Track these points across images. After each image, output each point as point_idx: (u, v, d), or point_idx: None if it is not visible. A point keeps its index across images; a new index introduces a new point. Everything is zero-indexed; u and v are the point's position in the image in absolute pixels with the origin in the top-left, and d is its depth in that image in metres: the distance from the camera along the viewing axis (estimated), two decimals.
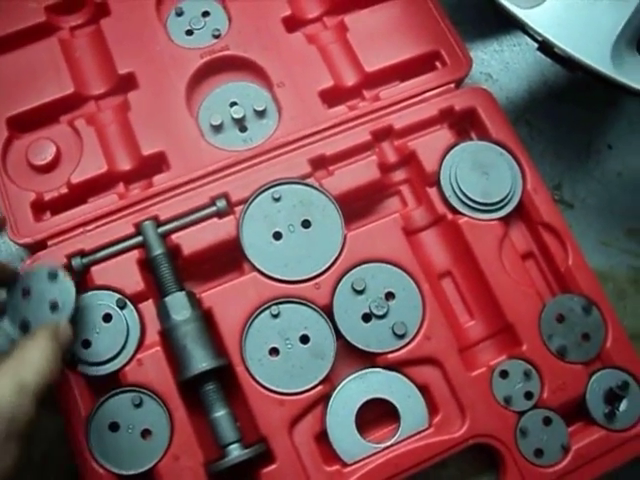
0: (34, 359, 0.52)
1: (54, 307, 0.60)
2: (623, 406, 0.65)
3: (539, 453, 0.63)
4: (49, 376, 0.52)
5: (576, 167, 0.75)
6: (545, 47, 0.67)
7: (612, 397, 0.65)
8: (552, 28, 0.64)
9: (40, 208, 0.68)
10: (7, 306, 0.61)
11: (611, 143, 0.76)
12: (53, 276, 0.61)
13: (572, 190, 0.74)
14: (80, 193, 0.69)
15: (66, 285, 0.61)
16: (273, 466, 0.61)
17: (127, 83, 0.71)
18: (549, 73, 0.77)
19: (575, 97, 0.77)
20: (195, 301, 0.64)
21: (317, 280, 0.65)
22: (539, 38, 0.66)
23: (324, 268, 0.65)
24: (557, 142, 0.75)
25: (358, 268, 0.66)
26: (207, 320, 0.64)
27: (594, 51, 0.64)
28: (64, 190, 0.68)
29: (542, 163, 0.74)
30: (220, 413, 0.62)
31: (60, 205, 0.68)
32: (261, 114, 0.71)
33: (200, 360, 0.62)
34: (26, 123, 0.70)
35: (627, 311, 0.71)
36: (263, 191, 0.67)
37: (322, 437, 0.63)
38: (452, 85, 0.71)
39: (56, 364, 0.53)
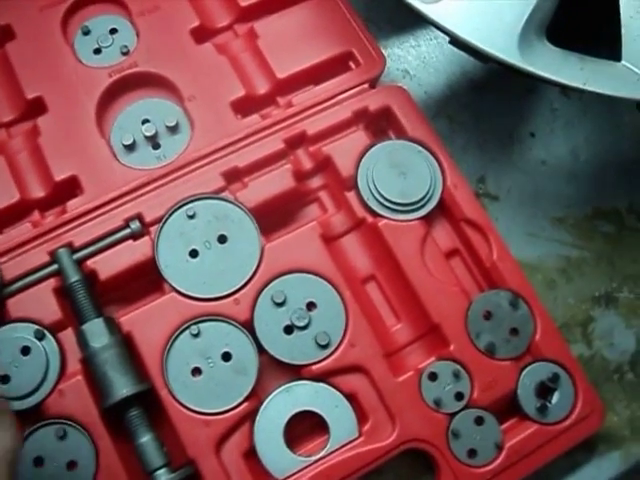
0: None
1: None
2: (555, 399, 0.64)
3: (472, 453, 0.63)
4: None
5: (500, 158, 0.73)
6: (456, 40, 0.66)
7: (544, 390, 0.64)
8: (457, 21, 0.63)
9: None
10: None
11: (534, 131, 0.75)
12: None
13: (497, 182, 0.73)
14: None
15: None
16: None
17: (36, 108, 0.70)
18: (467, 65, 0.75)
19: (495, 87, 0.75)
20: (114, 326, 0.63)
21: (236, 295, 0.64)
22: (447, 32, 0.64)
23: (243, 283, 0.64)
24: (479, 134, 0.74)
25: (277, 280, 0.65)
26: (127, 344, 0.63)
27: (500, 41, 0.62)
28: None
29: (465, 157, 0.73)
30: (145, 439, 0.61)
31: None
32: (174, 129, 0.69)
33: (121, 386, 0.61)
34: None
35: (558, 301, 0.70)
36: (177, 209, 0.66)
37: (251, 454, 0.62)
38: (366, 85, 0.70)
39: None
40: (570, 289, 0.71)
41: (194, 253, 0.65)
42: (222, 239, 0.65)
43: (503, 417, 0.64)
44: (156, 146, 0.69)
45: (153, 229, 0.65)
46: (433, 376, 0.64)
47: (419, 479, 0.65)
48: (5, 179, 0.68)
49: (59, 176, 0.67)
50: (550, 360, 0.65)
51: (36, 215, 0.68)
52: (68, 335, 0.64)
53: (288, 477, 0.61)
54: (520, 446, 0.63)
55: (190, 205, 0.66)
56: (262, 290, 0.64)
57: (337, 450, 0.62)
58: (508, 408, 0.64)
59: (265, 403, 0.63)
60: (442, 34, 0.68)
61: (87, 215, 0.66)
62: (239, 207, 0.66)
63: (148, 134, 0.69)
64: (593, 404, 0.64)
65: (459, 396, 0.63)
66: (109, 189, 0.67)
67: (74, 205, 0.67)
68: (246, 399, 0.62)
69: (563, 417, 0.64)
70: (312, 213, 0.69)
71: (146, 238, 0.65)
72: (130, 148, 0.69)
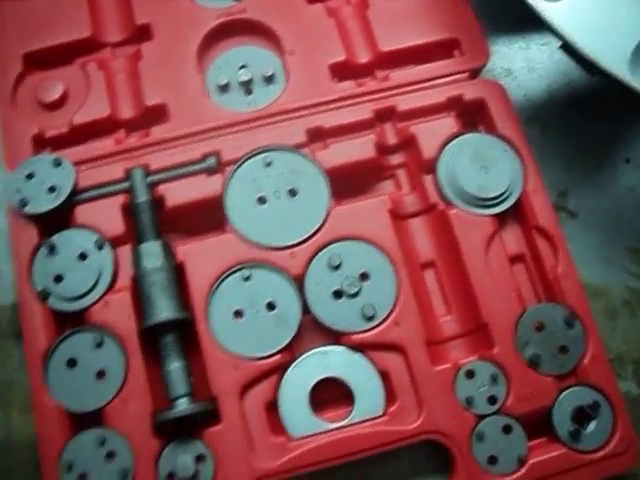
0: None
1: (52, 190, 0.65)
2: (591, 427, 0.62)
3: (493, 460, 0.61)
4: None
5: (587, 177, 0.71)
6: (566, 45, 0.65)
7: (581, 416, 0.62)
8: (572, 25, 0.62)
9: (40, 143, 0.69)
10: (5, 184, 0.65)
11: (630, 157, 0.72)
12: (58, 163, 0.65)
13: (578, 199, 0.71)
14: (80, 134, 0.69)
15: (68, 172, 0.65)
16: (219, 427, 0.61)
17: (143, 34, 0.72)
18: (573, 77, 0.74)
19: (597, 105, 0.73)
20: (169, 252, 0.64)
21: (294, 250, 0.64)
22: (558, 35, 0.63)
23: (303, 238, 0.64)
24: (571, 148, 0.72)
25: (337, 244, 0.64)
26: (178, 274, 0.64)
27: (611, 54, 0.61)
28: (65, 129, 0.69)
29: (551, 167, 0.71)
30: (175, 365, 0.62)
31: (59, 143, 0.69)
32: (269, 79, 0.70)
33: (163, 310, 0.62)
34: (41, 61, 0.72)
35: (615, 332, 0.67)
36: (255, 154, 0.66)
37: (272, 407, 0.62)
38: (466, 75, 0.69)
39: None
40: (631, 323, 0.68)
41: (262, 200, 0.65)
42: (292, 192, 0.65)
43: (532, 433, 0.62)
44: (248, 92, 0.70)
45: (228, 169, 0.66)
46: (470, 374, 0.62)
47: (434, 473, 0.64)
48: (100, 95, 0.70)
49: (150, 101, 0.69)
50: (594, 387, 0.62)
51: (120, 134, 0.70)
52: (125, 252, 0.65)
53: (304, 437, 0.61)
54: (543, 466, 0.61)
55: (269, 154, 0.66)
56: (320, 250, 0.64)
57: (358, 423, 0.61)
58: (539, 425, 0.62)
59: (297, 360, 0.63)
60: (554, 38, 0.67)
61: (168, 143, 0.68)
62: (316, 165, 0.66)
63: (243, 79, 0.70)
64: (629, 442, 0.61)
65: (492, 400, 0.62)
66: (194, 123, 0.68)
67: (158, 131, 0.68)
68: (280, 352, 0.62)
69: (595, 448, 0.61)
70: (385, 189, 0.69)
71: (219, 176, 0.66)
72: (223, 89, 0.70)
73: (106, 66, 0.71)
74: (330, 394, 0.63)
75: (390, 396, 0.62)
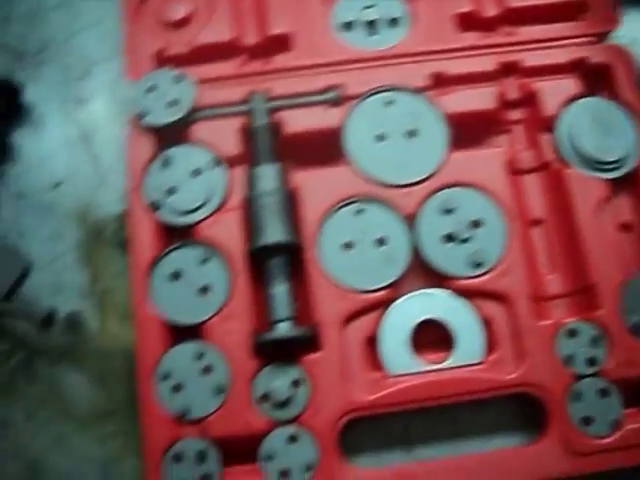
0: None
1: (172, 104, 0.64)
2: None
3: (588, 421, 0.60)
4: None
5: None
6: None
7: None
8: None
9: (161, 59, 0.69)
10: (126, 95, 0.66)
11: None
12: (179, 79, 0.65)
13: None
14: (201, 54, 0.69)
15: (189, 88, 0.65)
16: (319, 354, 0.61)
17: None
18: None
19: None
20: (284, 177, 0.64)
21: (409, 189, 0.64)
22: None
23: (419, 179, 0.64)
24: None
25: (453, 189, 0.64)
26: (291, 199, 0.64)
27: None
28: (187, 48, 0.69)
29: None
30: (280, 288, 0.61)
31: (180, 61, 0.69)
32: (393, 22, 0.70)
33: (274, 232, 0.62)
34: None
35: None
36: (378, 92, 0.66)
37: (371, 342, 0.62)
38: (594, 38, 0.69)
39: None
40: None
41: (381, 137, 0.65)
42: (412, 134, 0.65)
43: (628, 400, 0.61)
44: (373, 32, 0.70)
45: (349, 103, 0.66)
46: (573, 333, 0.62)
47: (519, 429, 0.63)
48: (225, 18, 0.70)
49: (275, 30, 0.69)
50: None
51: (242, 59, 0.70)
52: (238, 173, 0.65)
53: (401, 375, 0.61)
54: (638, 434, 0.60)
55: (391, 93, 0.66)
56: (435, 192, 0.64)
57: (456, 368, 0.61)
58: (636, 393, 0.62)
59: (402, 299, 0.62)
60: None
61: (291, 71, 0.67)
62: (436, 110, 0.66)
63: (369, 18, 0.70)
64: None
65: (592, 361, 0.61)
66: (318, 55, 0.68)
67: (282, 58, 0.68)
68: (386, 288, 0.62)
69: None
70: (500, 143, 0.68)
71: (340, 109, 0.66)
72: (348, 27, 0.70)
73: None
74: (430, 336, 0.63)
75: (490, 344, 0.62)
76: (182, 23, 0.70)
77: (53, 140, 0.71)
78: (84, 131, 0.71)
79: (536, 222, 0.66)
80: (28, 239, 0.68)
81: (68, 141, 0.71)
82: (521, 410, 0.63)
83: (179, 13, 0.70)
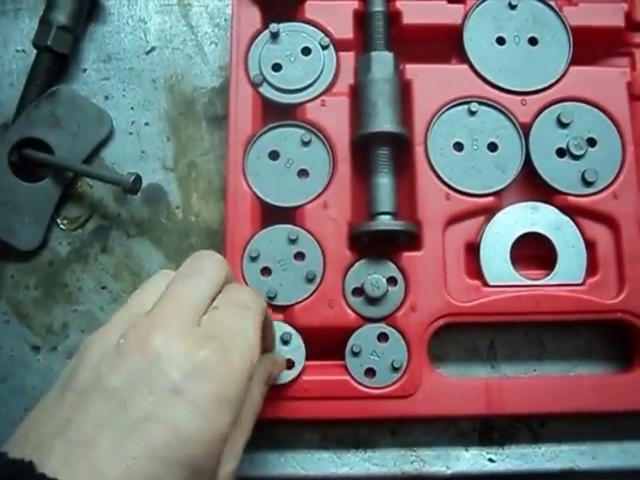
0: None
1: None
2: None
3: None
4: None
5: None
6: None
7: None
8: None
9: None
10: None
11: None
12: None
13: None
14: None
15: None
16: (418, 253, 0.57)
17: None
18: None
19: None
20: (399, 67, 0.59)
21: (525, 97, 0.59)
22: None
23: (537, 88, 0.60)
24: None
25: (570, 103, 0.60)
26: (403, 91, 0.59)
27: None
28: None
29: None
30: (384, 180, 0.57)
31: None
32: None
33: (385, 121, 0.57)
34: None
35: None
36: None
37: (471, 250, 0.58)
38: None
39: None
40: None
41: (501, 41, 0.60)
42: (533, 41, 0.61)
43: None
44: None
45: (471, 1, 0.61)
46: None
47: (605, 357, 0.60)
48: None
49: None
50: None
51: None
52: (348, 58, 0.60)
53: (499, 286, 0.57)
54: None
55: None
56: (552, 104, 0.59)
57: (556, 286, 0.57)
58: None
59: (507, 208, 0.58)
60: None
61: None
62: (562, 20, 0.61)
63: None
64: None
65: None
66: None
67: None
68: (493, 194, 0.58)
69: None
70: (618, 64, 0.64)
71: (460, 6, 0.61)
72: None
73: None
74: (531, 251, 0.59)
75: (592, 267, 0.58)
76: None
77: (149, 3, 0.65)
78: None
79: None
80: (114, 103, 0.63)
81: (165, 7, 0.65)
82: (610, 339, 0.60)
83: None
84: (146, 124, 0.63)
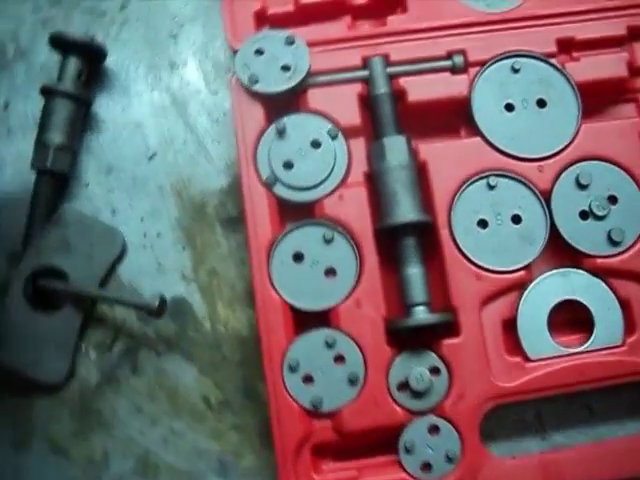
0: None
1: (285, 69, 0.57)
2: None
3: None
4: None
5: None
6: None
7: None
8: None
9: (262, 19, 0.61)
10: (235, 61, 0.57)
11: None
12: (290, 41, 0.58)
13: None
14: (305, 14, 0.62)
15: (302, 51, 0.58)
16: (457, 339, 0.55)
17: None
18: None
19: None
20: (412, 149, 0.58)
21: (541, 163, 0.58)
22: None
23: (552, 152, 0.58)
24: None
25: (586, 162, 0.59)
26: (420, 174, 0.58)
27: None
28: (290, 7, 0.61)
29: None
30: (414, 270, 0.56)
31: (282, 21, 0.61)
32: None
33: (408, 210, 0.56)
34: None
35: None
36: (504, 58, 0.60)
37: (509, 325, 0.57)
38: None
39: None
40: None
41: (510, 107, 0.59)
42: (541, 103, 0.59)
43: None
44: None
45: (473, 70, 0.60)
46: None
47: None
48: None
49: None
50: None
51: (349, 19, 0.62)
52: (358, 145, 0.59)
53: (541, 360, 0.56)
54: None
55: (518, 59, 0.60)
56: (569, 166, 0.58)
57: (597, 351, 0.57)
58: None
59: (538, 279, 0.57)
60: None
61: (409, 34, 0.60)
62: (567, 78, 0.60)
63: None
64: None
65: None
66: (435, 17, 0.61)
67: (396, 21, 0.61)
68: (523, 268, 0.57)
69: None
70: (625, 112, 0.63)
71: (464, 76, 0.59)
72: None
73: None
74: (566, 317, 0.58)
75: (630, 326, 0.57)
76: None
77: (143, 107, 0.63)
78: (177, 97, 0.63)
79: None
80: (122, 217, 0.61)
81: (160, 109, 0.63)
82: None
83: None
84: (158, 235, 0.60)
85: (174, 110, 0.63)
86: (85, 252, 0.59)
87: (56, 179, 0.60)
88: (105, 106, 0.63)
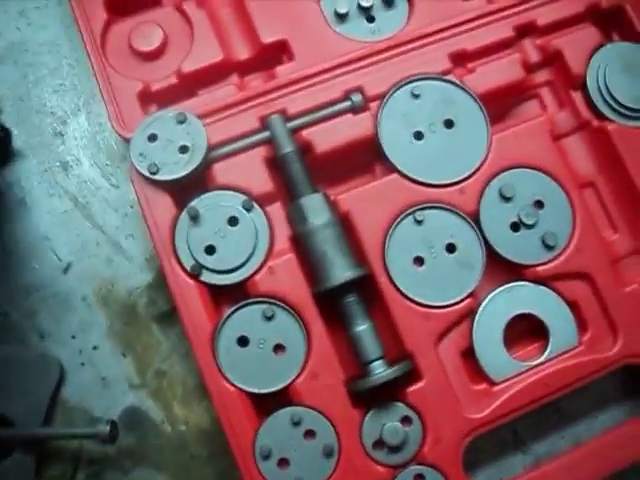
0: None
1: (183, 150, 0.54)
2: None
3: None
4: None
5: None
6: None
7: None
8: None
9: (147, 99, 0.58)
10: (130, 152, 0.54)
11: None
12: (181, 119, 0.54)
13: None
14: (191, 84, 0.59)
15: (196, 128, 0.54)
16: (420, 384, 0.54)
17: None
18: None
19: None
20: (331, 203, 0.56)
21: (462, 185, 0.57)
22: None
23: (469, 172, 0.57)
24: None
25: (505, 173, 0.58)
26: (344, 226, 0.56)
27: None
28: (173, 80, 0.58)
29: None
30: (362, 327, 0.54)
31: (168, 96, 0.58)
32: (389, 3, 0.61)
33: (343, 269, 0.54)
34: (126, 5, 0.60)
35: None
36: (401, 86, 0.58)
37: (468, 354, 0.56)
38: None
39: None
40: None
41: (419, 135, 0.58)
42: (448, 124, 0.58)
43: None
44: (370, 19, 0.61)
45: (374, 104, 0.58)
46: None
47: (622, 401, 0.60)
48: (206, 36, 0.59)
49: (267, 39, 0.59)
50: None
51: (236, 78, 0.60)
52: (275, 210, 0.56)
53: (505, 380, 0.56)
54: None
55: (415, 84, 0.58)
56: (489, 182, 0.57)
57: (556, 357, 0.56)
58: None
59: (485, 302, 0.57)
60: None
61: (301, 82, 0.58)
62: (467, 92, 0.58)
63: (364, 4, 0.61)
64: None
65: None
66: (323, 58, 0.59)
67: (285, 71, 0.58)
68: (468, 295, 0.56)
69: None
70: (530, 110, 0.62)
71: (367, 113, 0.58)
72: (343, 17, 0.61)
73: (205, 3, 0.60)
74: (520, 331, 0.58)
75: (582, 325, 0.57)
76: (159, 52, 0.59)
77: (45, 218, 0.59)
78: (78, 199, 0.59)
79: (585, 185, 0.61)
80: (52, 338, 0.57)
81: (62, 213, 0.59)
82: (620, 381, 0.60)
83: (154, 41, 0.59)
84: (94, 348, 0.57)
85: (78, 213, 0.59)
86: (22, 388, 0.55)
87: None
88: (6, 229, 0.58)
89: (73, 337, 0.57)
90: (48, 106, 0.61)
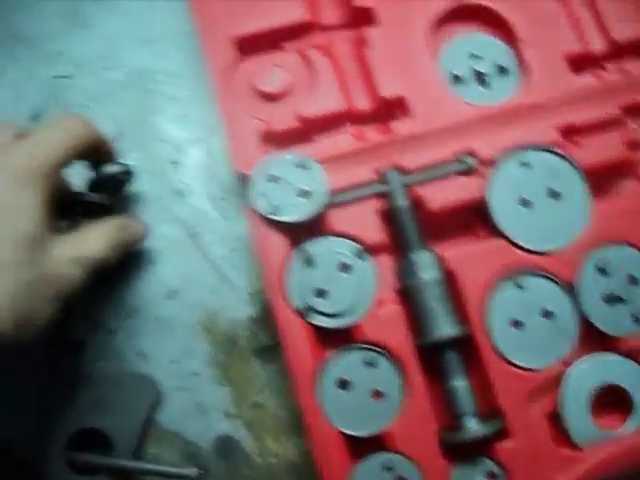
0: (97, 242, 0.54)
1: (303, 194, 0.56)
2: None
3: None
4: (106, 257, 0.54)
5: None
6: None
7: None
8: None
9: (267, 139, 0.60)
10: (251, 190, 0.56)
11: None
12: (303, 164, 0.57)
13: None
14: (309, 128, 0.61)
15: (318, 174, 0.57)
16: (509, 442, 0.56)
17: (361, 16, 0.63)
18: None
19: None
20: (440, 261, 0.58)
21: (562, 254, 0.59)
22: None
23: (570, 243, 0.60)
24: None
25: (604, 247, 0.60)
26: (448, 282, 0.58)
27: None
28: (294, 123, 0.60)
29: None
30: (461, 383, 0.56)
31: (287, 139, 0.60)
32: (503, 71, 0.64)
33: (446, 326, 0.56)
34: (251, 46, 0.62)
35: None
36: (513, 154, 0.60)
37: (554, 418, 0.58)
38: None
39: (114, 251, 0.55)
40: None
41: (526, 203, 0.60)
42: (553, 194, 0.60)
43: None
44: (484, 84, 0.64)
45: (483, 169, 0.60)
46: None
47: None
48: (329, 84, 0.61)
49: (386, 93, 0.61)
50: None
51: (353, 129, 0.62)
52: (383, 260, 0.59)
53: (589, 447, 0.57)
54: None
55: (525, 153, 0.61)
56: (589, 253, 0.60)
57: None
58: None
59: (575, 368, 0.59)
60: None
61: (416, 140, 0.60)
62: (573, 165, 0.61)
63: (479, 70, 0.63)
64: None
65: None
66: (439, 117, 0.61)
67: (402, 127, 0.61)
68: (561, 361, 0.58)
69: None
70: (631, 187, 0.64)
71: (477, 177, 0.60)
72: (459, 80, 0.63)
73: (328, 51, 0.62)
74: (606, 400, 0.59)
75: None
76: (282, 94, 0.61)
77: (156, 242, 0.60)
78: (188, 227, 0.61)
79: None
80: (151, 361, 0.59)
81: (174, 241, 0.61)
82: None
83: (278, 82, 0.61)
84: (194, 374, 0.59)
85: (188, 241, 0.61)
86: (120, 406, 0.57)
87: None
88: None
89: (173, 361, 0.59)
90: (166, 134, 0.63)
